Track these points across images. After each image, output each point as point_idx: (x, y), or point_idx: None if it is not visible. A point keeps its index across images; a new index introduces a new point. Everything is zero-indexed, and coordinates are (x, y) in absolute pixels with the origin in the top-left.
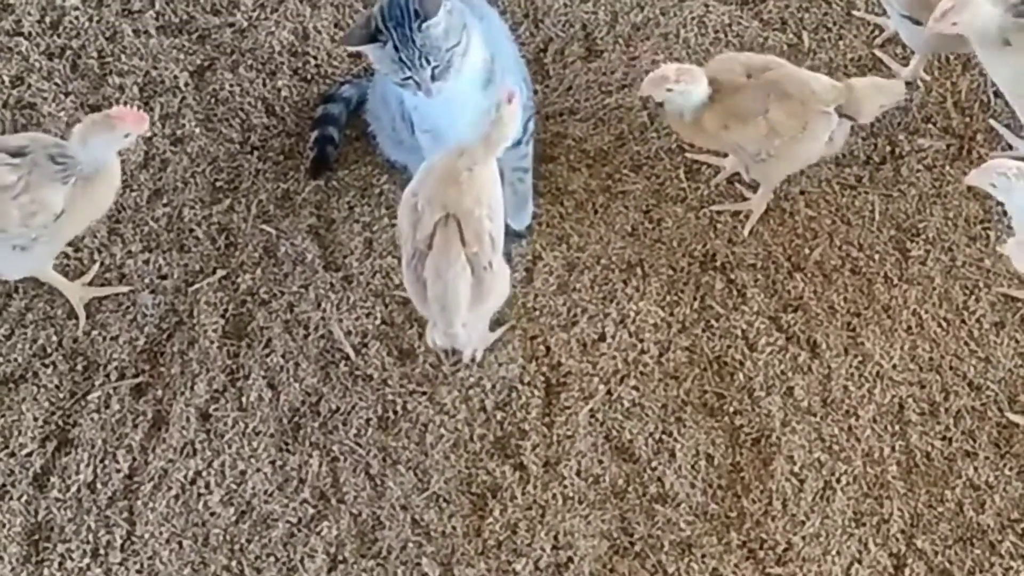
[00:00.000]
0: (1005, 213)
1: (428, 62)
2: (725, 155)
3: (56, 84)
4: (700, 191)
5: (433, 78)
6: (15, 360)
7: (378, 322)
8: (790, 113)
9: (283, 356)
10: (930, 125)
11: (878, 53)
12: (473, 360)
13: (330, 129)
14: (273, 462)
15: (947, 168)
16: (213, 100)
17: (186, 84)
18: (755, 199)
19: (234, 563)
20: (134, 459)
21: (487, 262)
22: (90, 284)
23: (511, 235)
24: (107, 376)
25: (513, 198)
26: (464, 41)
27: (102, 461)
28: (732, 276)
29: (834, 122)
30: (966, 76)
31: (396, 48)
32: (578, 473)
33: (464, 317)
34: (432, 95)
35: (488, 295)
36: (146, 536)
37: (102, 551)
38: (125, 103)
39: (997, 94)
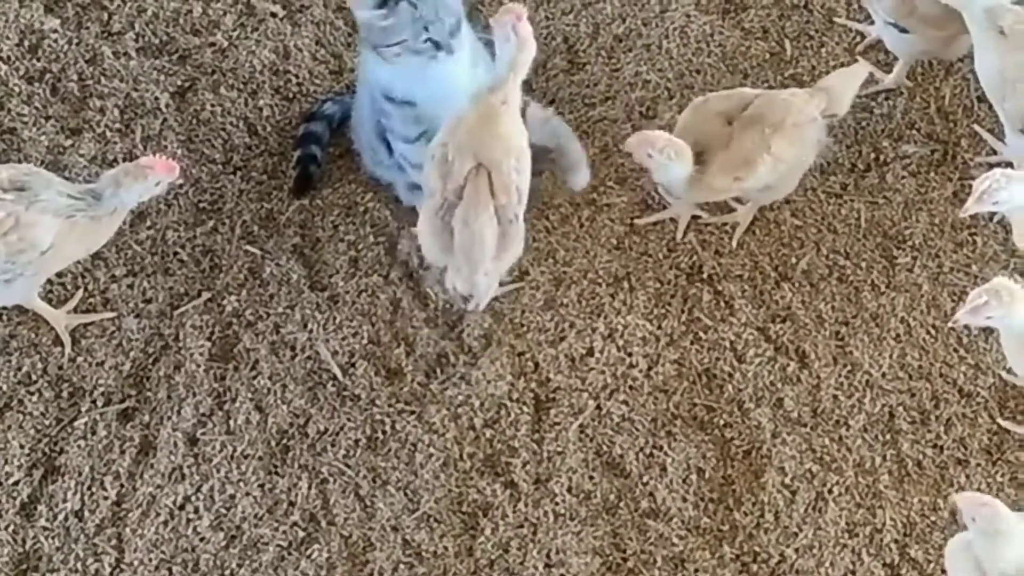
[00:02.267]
0: (992, 218)
1: (448, 13)
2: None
3: (36, 108)
4: None
5: (450, 35)
6: None
7: (365, 342)
8: (790, 140)
9: (270, 378)
10: (914, 131)
11: (860, 60)
12: (464, 377)
13: (313, 148)
14: (262, 485)
15: (932, 174)
16: (195, 121)
17: (167, 105)
18: (742, 211)
19: None
20: (122, 485)
21: (512, 215)
22: (75, 310)
23: None
24: (93, 402)
25: None
26: (462, 14)
27: (89, 488)
28: (719, 288)
29: (821, 125)
30: (949, 82)
31: (414, 5)
32: (569, 490)
33: (487, 266)
34: (454, 51)
35: (509, 247)
36: (135, 563)
37: None
38: (106, 126)
39: (980, 99)
